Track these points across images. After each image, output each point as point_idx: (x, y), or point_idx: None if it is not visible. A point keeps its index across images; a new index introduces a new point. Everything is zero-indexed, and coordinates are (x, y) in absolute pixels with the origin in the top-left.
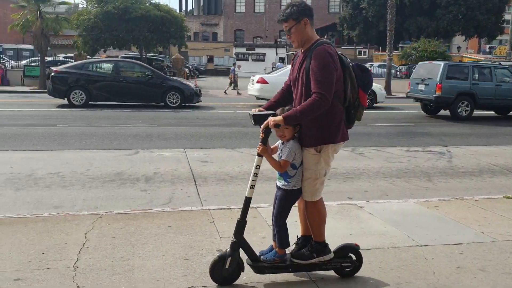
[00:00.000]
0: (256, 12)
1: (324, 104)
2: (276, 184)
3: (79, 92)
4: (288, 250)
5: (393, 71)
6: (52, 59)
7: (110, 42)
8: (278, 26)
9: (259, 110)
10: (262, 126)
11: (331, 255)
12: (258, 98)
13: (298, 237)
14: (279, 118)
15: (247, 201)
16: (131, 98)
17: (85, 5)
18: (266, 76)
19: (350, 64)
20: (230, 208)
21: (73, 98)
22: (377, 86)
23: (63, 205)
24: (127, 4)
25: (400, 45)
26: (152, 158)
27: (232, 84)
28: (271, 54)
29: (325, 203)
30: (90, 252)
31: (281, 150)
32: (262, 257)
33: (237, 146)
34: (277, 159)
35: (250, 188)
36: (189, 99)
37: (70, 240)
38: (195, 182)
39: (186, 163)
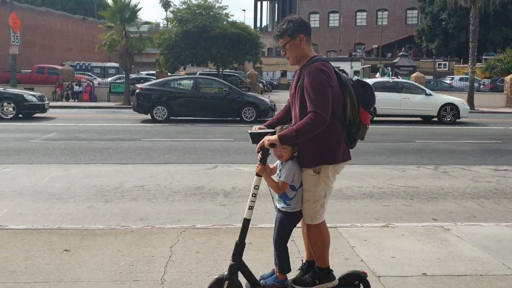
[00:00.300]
0: (331, 27)
1: (320, 123)
2: (276, 206)
3: (161, 108)
4: (294, 275)
5: (476, 84)
6: (135, 76)
7: (189, 59)
8: (352, 40)
9: (259, 128)
10: (258, 145)
11: (335, 282)
12: None
13: (303, 262)
14: (274, 137)
15: (245, 222)
16: (209, 113)
17: (166, 25)
18: None
19: (350, 80)
20: None
21: (155, 113)
22: (460, 100)
23: (148, 217)
24: (206, 23)
25: (483, 57)
26: (230, 172)
27: None
28: (345, 68)
29: (408, 224)
30: (175, 265)
31: (280, 170)
32: (262, 281)
33: None
34: (277, 179)
35: (249, 209)
36: (264, 114)
37: (156, 253)
38: (273, 198)
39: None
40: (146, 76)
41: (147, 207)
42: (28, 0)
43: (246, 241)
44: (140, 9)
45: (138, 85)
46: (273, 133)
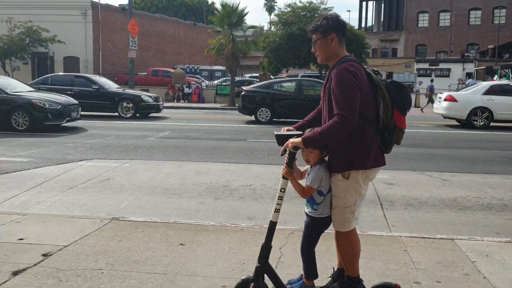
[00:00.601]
0: (441, 26)
1: (345, 126)
2: (304, 210)
3: (265, 110)
4: (323, 282)
5: None
6: (239, 79)
7: (292, 61)
8: (465, 40)
9: (287, 130)
10: (282, 148)
11: None
12: (445, 117)
13: (334, 269)
14: (298, 140)
15: (272, 225)
16: None
17: (269, 28)
18: (455, 94)
19: (383, 81)
20: (424, 237)
21: (259, 115)
22: None
23: (255, 217)
24: None
25: None
26: None
27: (429, 101)
28: (456, 70)
29: None
30: (286, 267)
31: (308, 174)
32: (288, 286)
33: (424, 168)
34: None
35: (275, 212)
36: None
37: None
38: (381, 205)
39: (371, 184)
40: (249, 78)
41: (254, 206)
42: (144, 7)
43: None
44: (247, 13)
45: (244, 87)
46: (299, 135)
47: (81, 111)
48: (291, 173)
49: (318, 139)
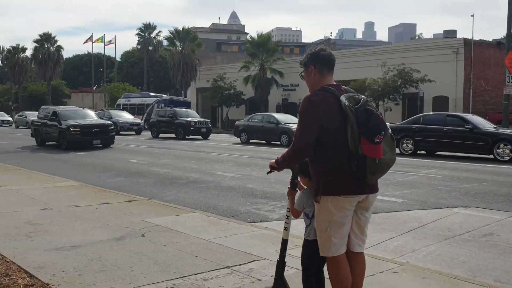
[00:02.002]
0: None
1: (296, 154)
2: None
3: None
4: None
5: None
6: None
7: None
8: None
9: None
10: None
11: None
12: None
13: None
14: (273, 161)
15: (283, 242)
16: None
17: None
18: None
19: (352, 108)
20: None
21: None
22: None
23: None
24: None
25: None
26: None
27: None
28: None
29: None
30: None
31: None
32: None
33: None
34: None
35: (284, 230)
36: None
37: None
38: None
39: None
40: None
41: None
42: None
43: None
44: None
45: None
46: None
47: (452, 151)
48: (290, 193)
49: (281, 162)
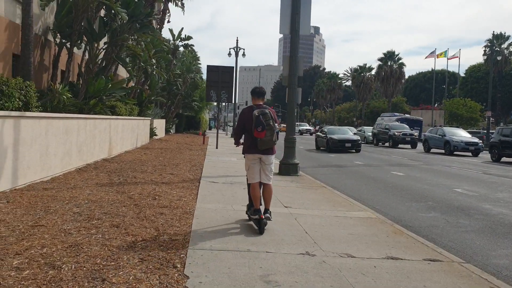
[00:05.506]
0: None
1: (234, 134)
2: None
3: None
4: None
5: None
6: None
7: None
8: None
9: None
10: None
11: (255, 216)
12: None
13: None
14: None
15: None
16: None
17: None
18: None
19: (256, 115)
20: None
21: None
22: None
23: None
24: None
25: None
26: None
27: None
28: None
29: None
30: None
31: None
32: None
33: None
34: None
35: None
36: None
37: None
38: None
39: None
40: None
41: None
42: None
43: None
44: None
45: None
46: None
47: None
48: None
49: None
